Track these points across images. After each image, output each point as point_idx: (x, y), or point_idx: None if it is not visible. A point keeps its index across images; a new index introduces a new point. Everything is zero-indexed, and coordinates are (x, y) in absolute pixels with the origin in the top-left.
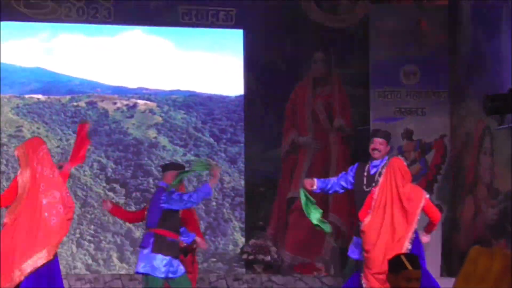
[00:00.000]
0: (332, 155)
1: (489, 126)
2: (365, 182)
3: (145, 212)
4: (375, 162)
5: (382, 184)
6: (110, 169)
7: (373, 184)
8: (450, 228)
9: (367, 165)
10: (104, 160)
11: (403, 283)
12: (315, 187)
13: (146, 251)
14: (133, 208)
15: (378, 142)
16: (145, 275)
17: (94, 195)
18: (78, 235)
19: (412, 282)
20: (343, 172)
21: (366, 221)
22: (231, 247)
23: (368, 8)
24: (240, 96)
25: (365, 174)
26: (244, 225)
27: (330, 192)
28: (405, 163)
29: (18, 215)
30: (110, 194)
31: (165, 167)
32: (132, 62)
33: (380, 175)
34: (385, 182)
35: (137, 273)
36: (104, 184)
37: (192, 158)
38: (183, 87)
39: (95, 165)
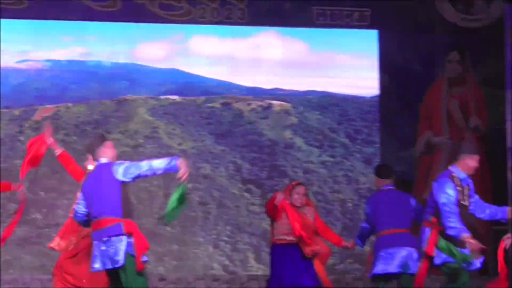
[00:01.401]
0: None
1: None
2: None
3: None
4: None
5: None
6: (245, 170)
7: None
8: None
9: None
10: (239, 161)
11: None
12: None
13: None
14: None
15: None
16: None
17: (230, 196)
18: (214, 236)
19: None
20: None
21: None
22: (367, 248)
23: (502, 8)
24: (375, 96)
25: None
26: None
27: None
28: None
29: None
30: (246, 194)
31: None
32: (266, 63)
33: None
34: None
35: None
36: (240, 185)
37: (327, 159)
38: (318, 88)
39: (231, 166)
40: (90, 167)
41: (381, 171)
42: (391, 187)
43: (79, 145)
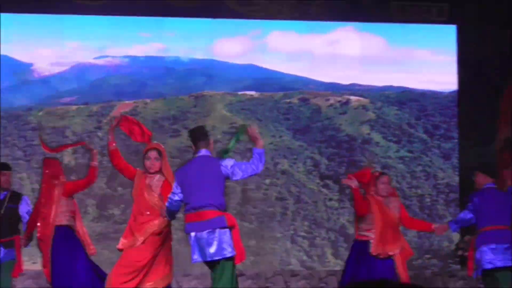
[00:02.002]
0: None
1: None
2: None
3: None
4: None
5: None
6: (323, 166)
7: None
8: None
9: None
10: (317, 157)
11: None
12: None
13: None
14: (347, 204)
15: None
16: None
17: (307, 191)
18: (292, 232)
19: None
20: None
21: None
22: (445, 243)
23: None
24: (454, 92)
25: None
26: None
27: None
28: None
29: None
30: (324, 190)
31: None
32: (344, 58)
33: None
34: None
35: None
36: (318, 181)
37: (406, 154)
38: (396, 83)
39: (308, 161)
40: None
41: (485, 170)
42: (492, 186)
43: (156, 140)
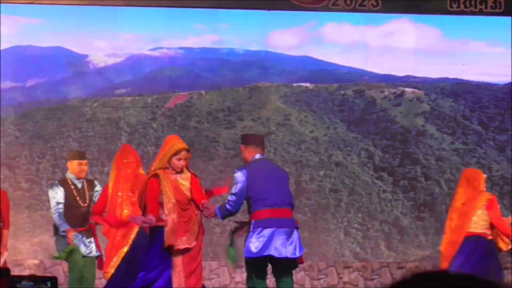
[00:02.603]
0: None
1: None
2: None
3: None
4: None
5: None
6: (377, 157)
7: None
8: None
9: None
10: (371, 148)
11: None
12: None
13: None
14: (400, 196)
15: None
16: None
17: (361, 183)
18: (346, 223)
19: None
20: None
21: None
22: None
23: None
24: (508, 83)
25: None
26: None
27: None
28: None
29: None
30: (378, 182)
31: None
32: (399, 50)
33: None
34: None
35: None
36: (372, 173)
37: (460, 146)
38: (451, 75)
39: (363, 153)
40: None
41: None
42: None
43: (211, 132)
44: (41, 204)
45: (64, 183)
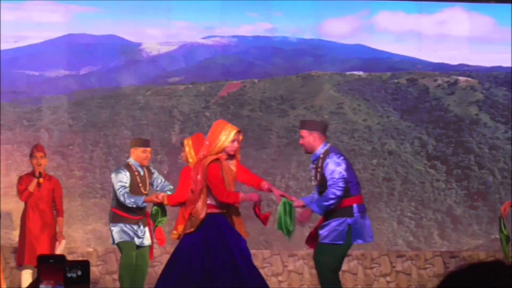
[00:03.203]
0: None
1: None
2: None
3: None
4: None
5: None
6: (431, 146)
7: None
8: None
9: None
10: (424, 137)
11: None
12: None
13: None
14: (454, 185)
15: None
16: None
17: (415, 172)
18: (399, 212)
19: None
20: None
21: None
22: None
23: None
24: None
25: None
26: None
27: None
28: None
29: None
30: (431, 171)
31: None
32: (453, 38)
33: None
34: None
35: None
36: (425, 161)
37: None
38: (505, 64)
39: (416, 142)
40: None
41: None
42: None
43: (264, 120)
44: (94, 192)
45: (129, 168)
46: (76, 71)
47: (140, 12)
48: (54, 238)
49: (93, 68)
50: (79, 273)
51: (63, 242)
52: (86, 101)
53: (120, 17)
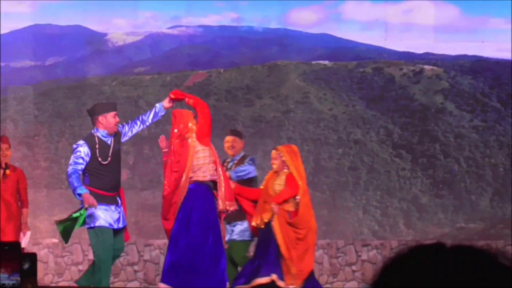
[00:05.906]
0: None
1: None
2: None
3: None
4: None
5: None
6: (396, 135)
7: None
8: None
9: None
10: (390, 126)
11: None
12: None
13: None
14: (419, 174)
15: None
16: None
17: (380, 161)
18: (364, 201)
19: None
20: None
21: None
22: None
23: None
24: None
25: None
26: None
27: None
28: None
29: None
30: (397, 159)
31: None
32: (418, 27)
33: None
34: None
35: None
36: (391, 150)
37: (479, 123)
38: (470, 52)
39: (381, 131)
40: None
41: None
42: None
43: (230, 110)
44: (60, 183)
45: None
46: (42, 62)
47: (106, 2)
48: (19, 230)
49: (59, 58)
50: (26, 266)
51: (28, 233)
52: (52, 92)
53: (86, 7)
